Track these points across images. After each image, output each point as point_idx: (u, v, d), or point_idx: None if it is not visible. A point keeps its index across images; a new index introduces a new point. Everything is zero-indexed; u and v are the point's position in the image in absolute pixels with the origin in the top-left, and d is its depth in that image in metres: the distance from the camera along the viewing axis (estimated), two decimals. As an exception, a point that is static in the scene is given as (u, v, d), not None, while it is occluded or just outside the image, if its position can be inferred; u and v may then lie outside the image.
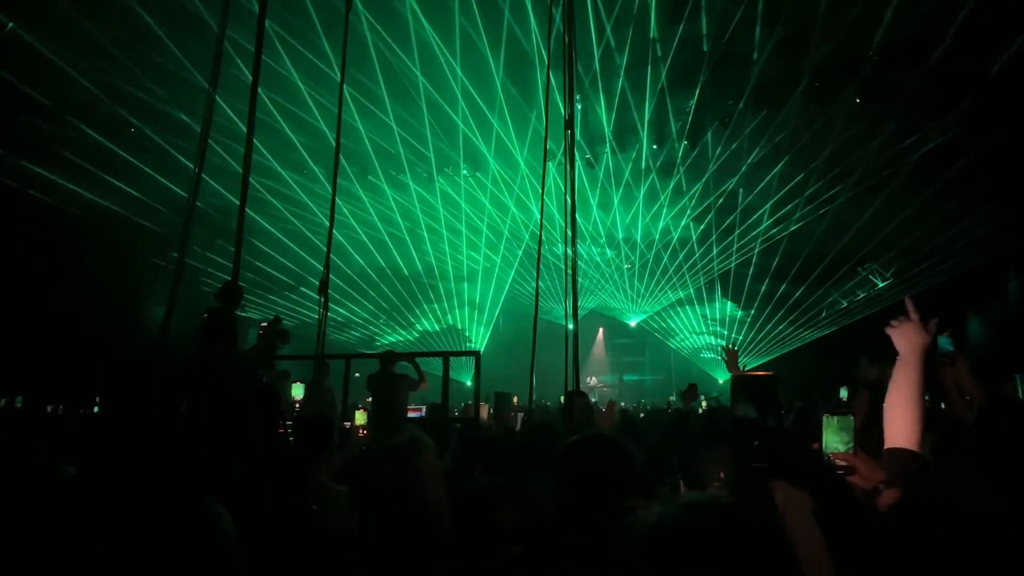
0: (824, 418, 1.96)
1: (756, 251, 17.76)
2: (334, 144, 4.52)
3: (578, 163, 11.75)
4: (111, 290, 11.25)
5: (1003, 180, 12.21)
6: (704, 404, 7.60)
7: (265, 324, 4.56)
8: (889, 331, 1.76)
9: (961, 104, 10.72)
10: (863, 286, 17.63)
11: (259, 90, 3.82)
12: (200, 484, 1.68)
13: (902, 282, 16.20)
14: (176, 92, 10.22)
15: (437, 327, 21.66)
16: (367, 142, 12.94)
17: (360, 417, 4.47)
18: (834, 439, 1.90)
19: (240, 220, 3.54)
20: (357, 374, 8.21)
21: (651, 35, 11.03)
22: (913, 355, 1.68)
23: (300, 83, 10.80)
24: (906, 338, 1.71)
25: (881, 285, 17.21)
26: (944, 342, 1.77)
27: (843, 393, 7.62)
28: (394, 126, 12.57)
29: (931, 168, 12.23)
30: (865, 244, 15.63)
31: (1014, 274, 14.33)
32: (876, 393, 2.61)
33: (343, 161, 12.92)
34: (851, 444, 1.90)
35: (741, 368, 4.31)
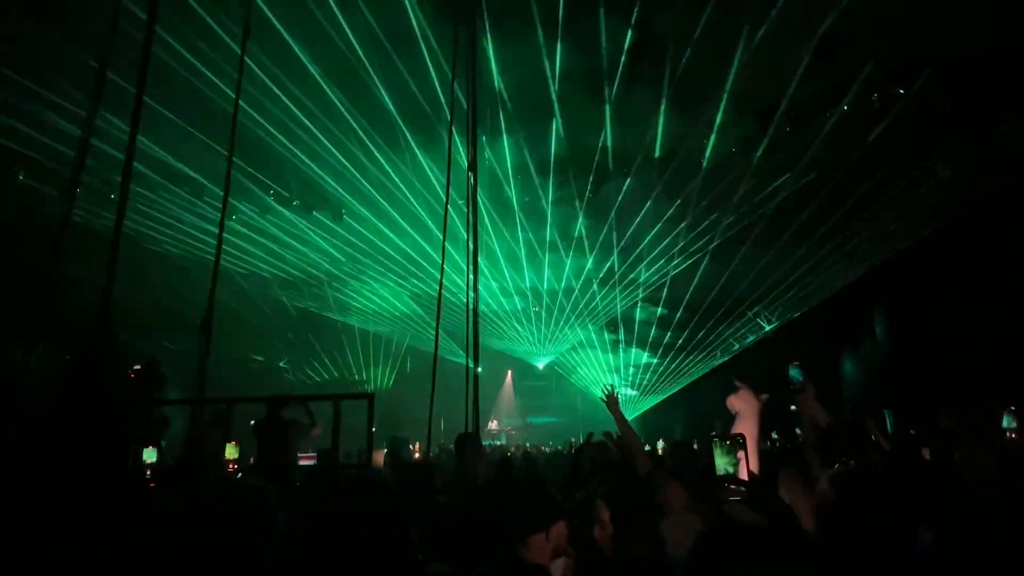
0: (713, 445, 2.35)
1: (656, 296, 18.60)
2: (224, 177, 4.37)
3: (480, 207, 11.94)
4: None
5: (871, 234, 13.61)
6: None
7: (138, 368, 4.21)
8: (730, 400, 2.38)
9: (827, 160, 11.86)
10: (752, 329, 18.78)
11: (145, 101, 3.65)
12: None
13: (785, 324, 17.44)
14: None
15: (336, 375, 20.98)
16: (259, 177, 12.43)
17: (231, 451, 4.16)
18: (723, 460, 2.30)
19: (115, 246, 3.31)
20: (252, 421, 7.76)
21: (552, 87, 11.46)
22: (750, 414, 2.31)
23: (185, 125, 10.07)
24: (744, 402, 2.32)
25: (767, 328, 18.40)
26: (794, 372, 1.99)
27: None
28: (296, 161, 12.18)
29: (809, 221, 13.39)
30: (754, 290, 16.75)
31: (881, 318, 15.80)
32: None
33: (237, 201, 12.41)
34: (735, 463, 2.30)
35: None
